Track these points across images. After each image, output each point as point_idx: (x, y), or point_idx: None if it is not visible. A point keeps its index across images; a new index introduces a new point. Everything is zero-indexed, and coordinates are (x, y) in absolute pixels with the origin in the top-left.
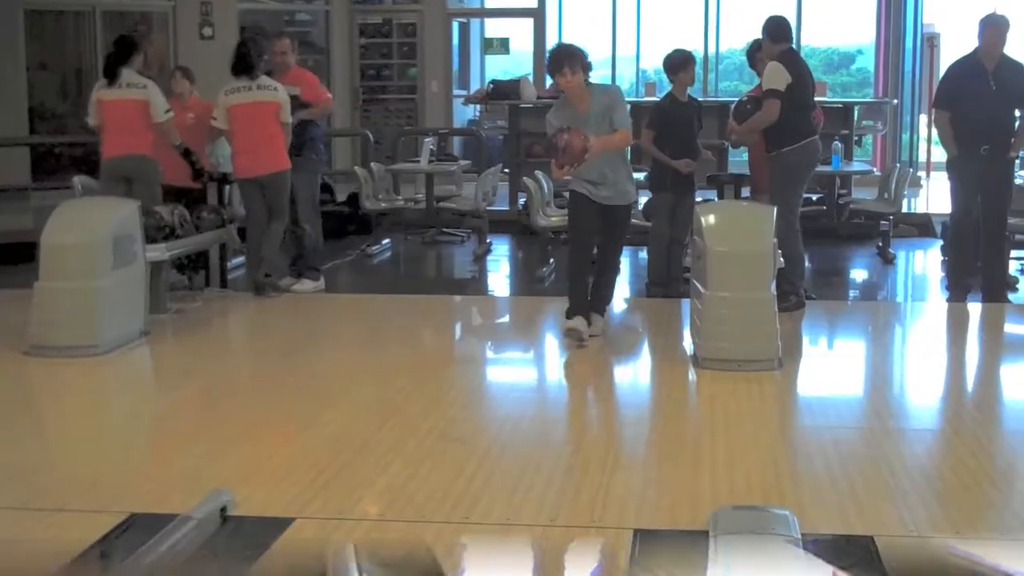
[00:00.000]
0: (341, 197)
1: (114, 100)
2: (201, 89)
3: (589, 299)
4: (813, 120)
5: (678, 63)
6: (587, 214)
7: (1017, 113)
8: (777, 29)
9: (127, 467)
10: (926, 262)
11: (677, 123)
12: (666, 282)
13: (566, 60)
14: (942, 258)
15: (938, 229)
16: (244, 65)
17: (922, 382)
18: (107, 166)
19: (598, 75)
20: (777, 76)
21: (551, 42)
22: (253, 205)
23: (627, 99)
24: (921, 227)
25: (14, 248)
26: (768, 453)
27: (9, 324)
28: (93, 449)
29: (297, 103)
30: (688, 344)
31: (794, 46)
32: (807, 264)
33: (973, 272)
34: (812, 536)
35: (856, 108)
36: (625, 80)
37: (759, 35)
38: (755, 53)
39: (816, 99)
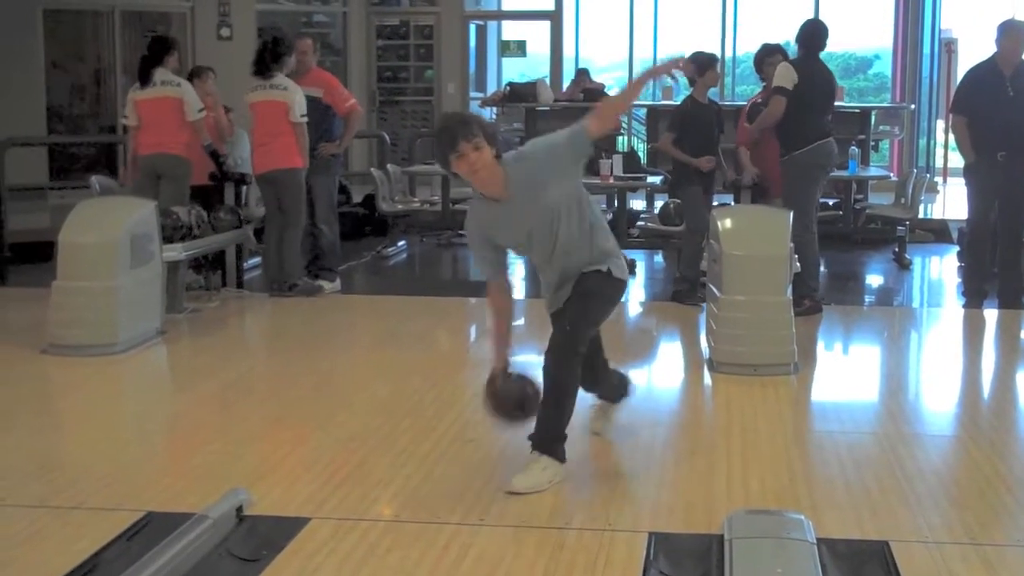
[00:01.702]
0: (357, 198)
1: (148, 99)
2: (218, 89)
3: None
4: (827, 123)
5: (702, 65)
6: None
7: None
8: (802, 34)
9: (144, 466)
10: (942, 268)
11: (698, 125)
12: (692, 279)
13: (460, 131)
14: (958, 264)
15: (954, 235)
16: (259, 65)
17: (938, 388)
18: (141, 164)
19: (614, 78)
20: (784, 76)
21: (568, 45)
22: (270, 203)
23: (644, 102)
24: (938, 233)
25: (32, 247)
26: (783, 457)
27: (27, 323)
28: (110, 447)
29: (317, 105)
30: (704, 348)
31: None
32: (823, 269)
33: (989, 278)
34: (827, 541)
35: (873, 113)
36: None
37: (768, 41)
38: (763, 59)
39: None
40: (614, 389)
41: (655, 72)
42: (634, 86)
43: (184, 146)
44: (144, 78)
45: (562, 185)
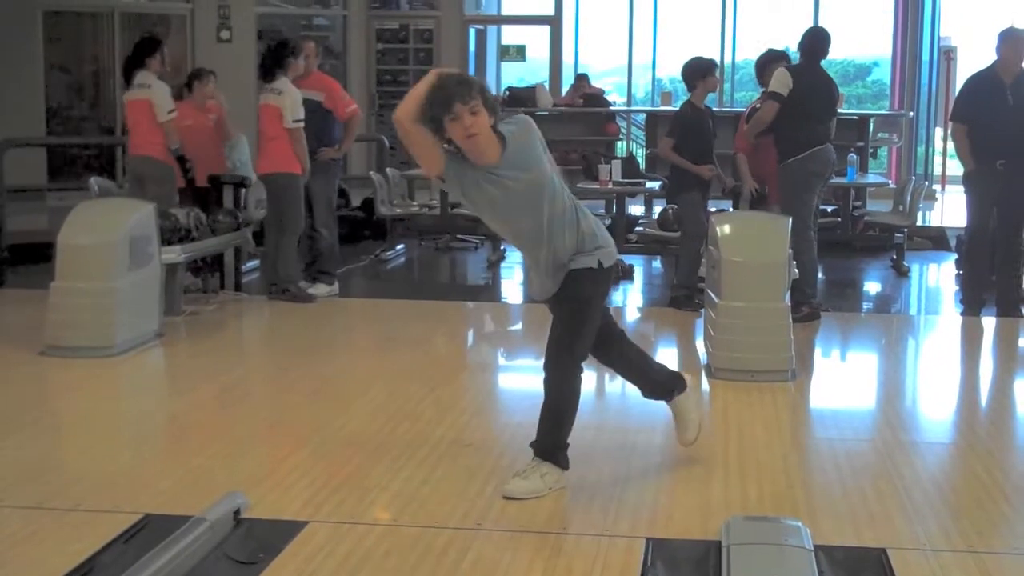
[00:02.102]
0: (356, 202)
1: (129, 101)
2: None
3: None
4: (826, 130)
5: (703, 70)
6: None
7: None
8: (804, 41)
9: (141, 468)
10: (940, 275)
11: (697, 131)
12: (690, 285)
13: (456, 92)
14: (956, 272)
15: (952, 243)
16: (262, 69)
17: (935, 395)
18: (127, 166)
19: (613, 83)
20: (779, 81)
21: (568, 50)
22: (269, 205)
23: (643, 108)
24: (936, 240)
25: (30, 248)
26: (780, 464)
27: (25, 324)
28: (107, 450)
29: (318, 109)
30: (702, 353)
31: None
32: (821, 276)
33: (987, 286)
34: (824, 548)
35: (872, 120)
36: (640, 89)
37: (771, 46)
38: (765, 65)
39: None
40: (649, 379)
41: None
42: None
43: (158, 146)
44: (127, 80)
45: (546, 166)
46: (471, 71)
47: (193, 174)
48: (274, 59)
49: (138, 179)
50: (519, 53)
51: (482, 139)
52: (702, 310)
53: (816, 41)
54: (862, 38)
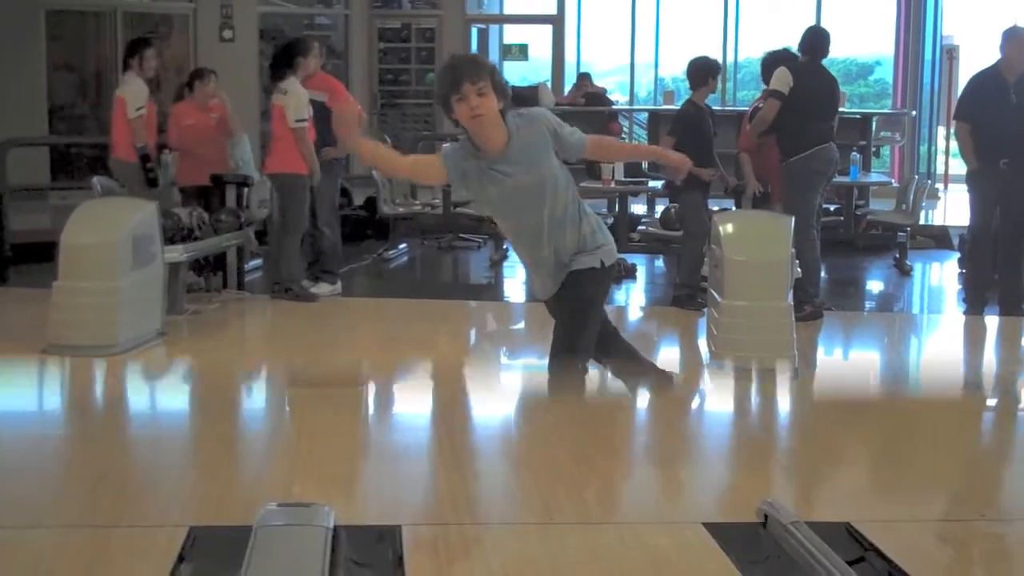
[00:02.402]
0: (358, 201)
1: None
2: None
3: None
4: (828, 129)
5: (710, 70)
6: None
7: None
8: (804, 40)
9: (141, 466)
10: (943, 274)
11: (699, 129)
12: (693, 285)
13: (466, 72)
14: (959, 270)
15: (955, 241)
16: (271, 69)
17: (938, 394)
18: (111, 169)
19: (616, 82)
20: (780, 79)
21: (570, 49)
22: (276, 204)
23: (645, 107)
24: (938, 239)
25: (33, 247)
26: (783, 462)
27: (27, 323)
28: (107, 449)
29: (320, 106)
30: (704, 352)
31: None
32: (824, 275)
33: (990, 285)
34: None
35: (874, 119)
36: (643, 88)
37: (773, 46)
38: (771, 65)
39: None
40: (640, 375)
41: (661, 156)
42: (640, 151)
43: (125, 146)
44: None
45: (552, 162)
46: None
47: (155, 174)
48: (284, 58)
49: (123, 180)
50: (521, 52)
51: (488, 121)
52: (704, 309)
53: (817, 40)
54: (864, 37)
